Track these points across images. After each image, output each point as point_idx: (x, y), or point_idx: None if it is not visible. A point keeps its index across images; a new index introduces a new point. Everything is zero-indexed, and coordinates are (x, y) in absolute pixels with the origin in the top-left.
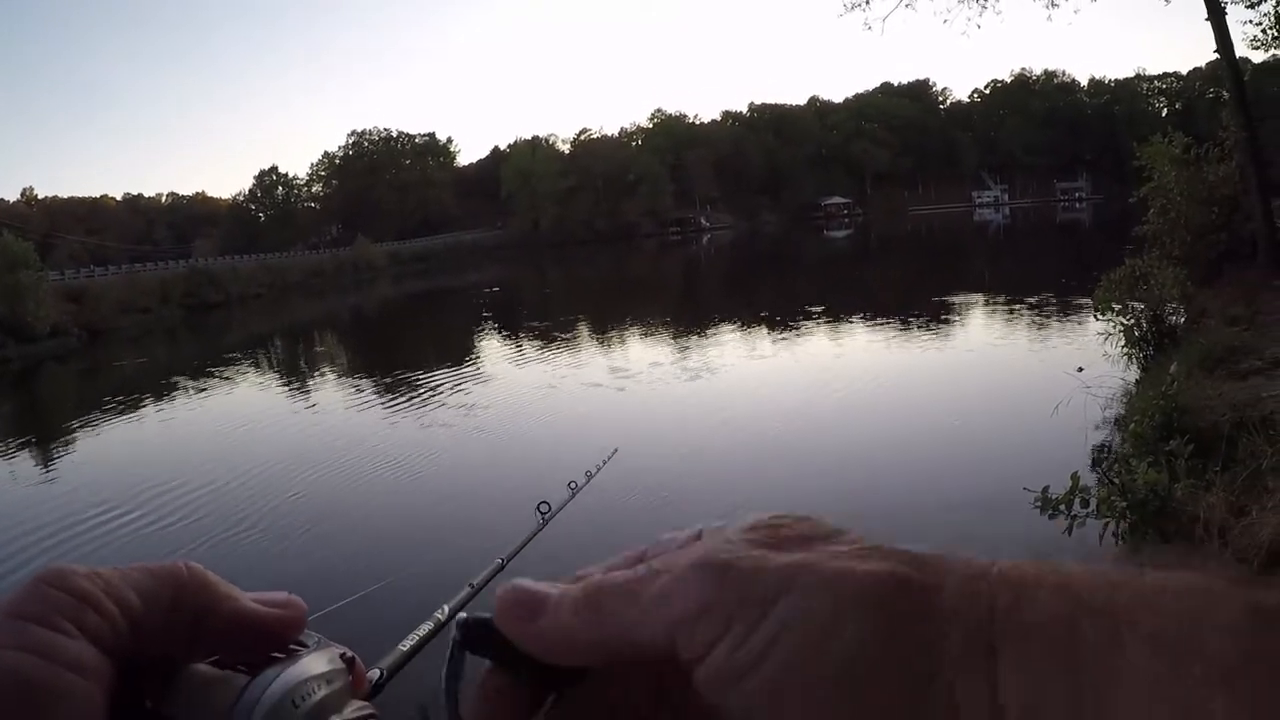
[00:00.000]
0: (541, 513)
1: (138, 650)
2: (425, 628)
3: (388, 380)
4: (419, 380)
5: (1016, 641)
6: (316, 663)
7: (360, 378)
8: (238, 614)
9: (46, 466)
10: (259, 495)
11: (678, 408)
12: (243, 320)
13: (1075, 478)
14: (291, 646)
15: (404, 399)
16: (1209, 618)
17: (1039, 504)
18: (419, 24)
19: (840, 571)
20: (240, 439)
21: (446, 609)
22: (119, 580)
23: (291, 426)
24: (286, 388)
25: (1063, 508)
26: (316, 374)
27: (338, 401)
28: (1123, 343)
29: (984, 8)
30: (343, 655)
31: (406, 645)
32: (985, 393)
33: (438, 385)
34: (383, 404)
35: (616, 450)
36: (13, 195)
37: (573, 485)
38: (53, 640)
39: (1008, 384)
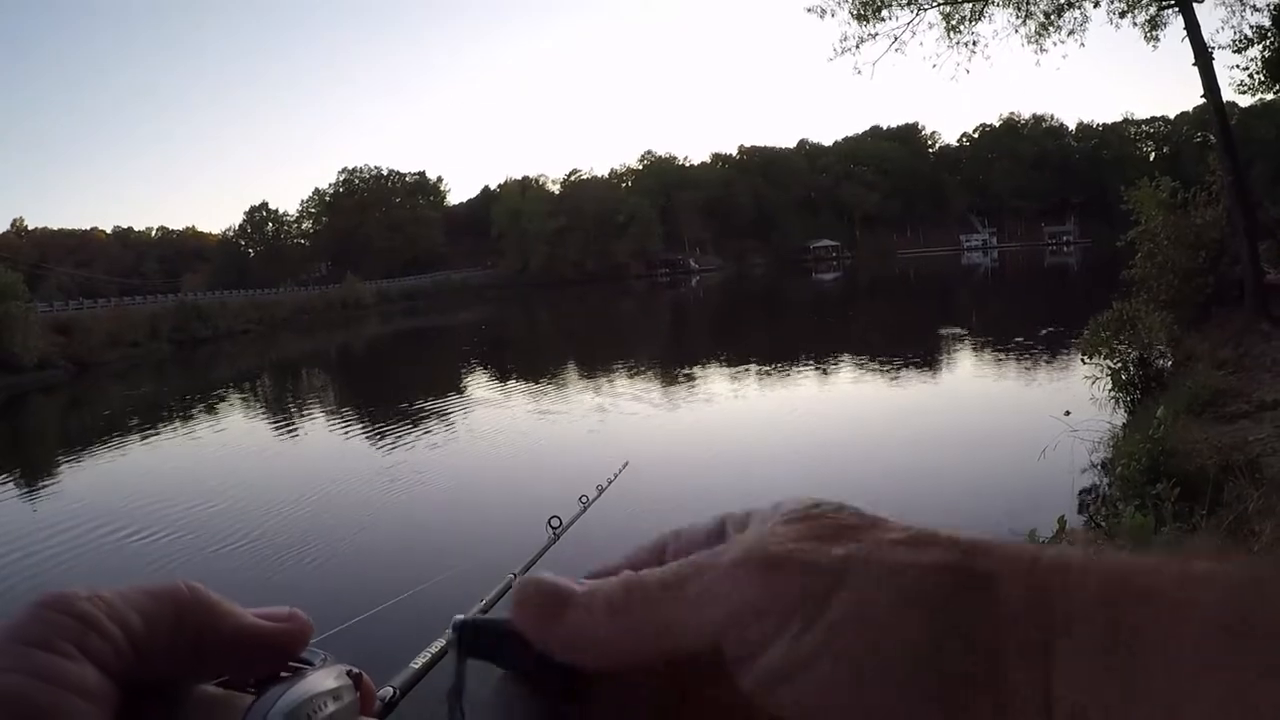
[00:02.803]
0: (553, 527)
1: (141, 672)
2: (437, 645)
3: (389, 410)
4: (420, 410)
5: (1072, 632)
6: (323, 680)
7: (360, 409)
8: (241, 630)
9: (30, 495)
10: (270, 518)
11: (660, 445)
12: (231, 355)
13: (1062, 521)
14: (297, 665)
15: (404, 427)
16: (1264, 603)
17: None
18: (411, 63)
19: (898, 564)
20: (249, 468)
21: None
22: (120, 602)
23: (295, 456)
24: (280, 420)
25: None
26: (312, 407)
27: (342, 431)
28: (1110, 386)
29: (973, 53)
30: (349, 672)
31: (418, 663)
32: (971, 435)
33: (440, 414)
34: (386, 431)
35: (627, 464)
36: (2, 226)
37: (583, 499)
38: (55, 664)
39: (994, 427)
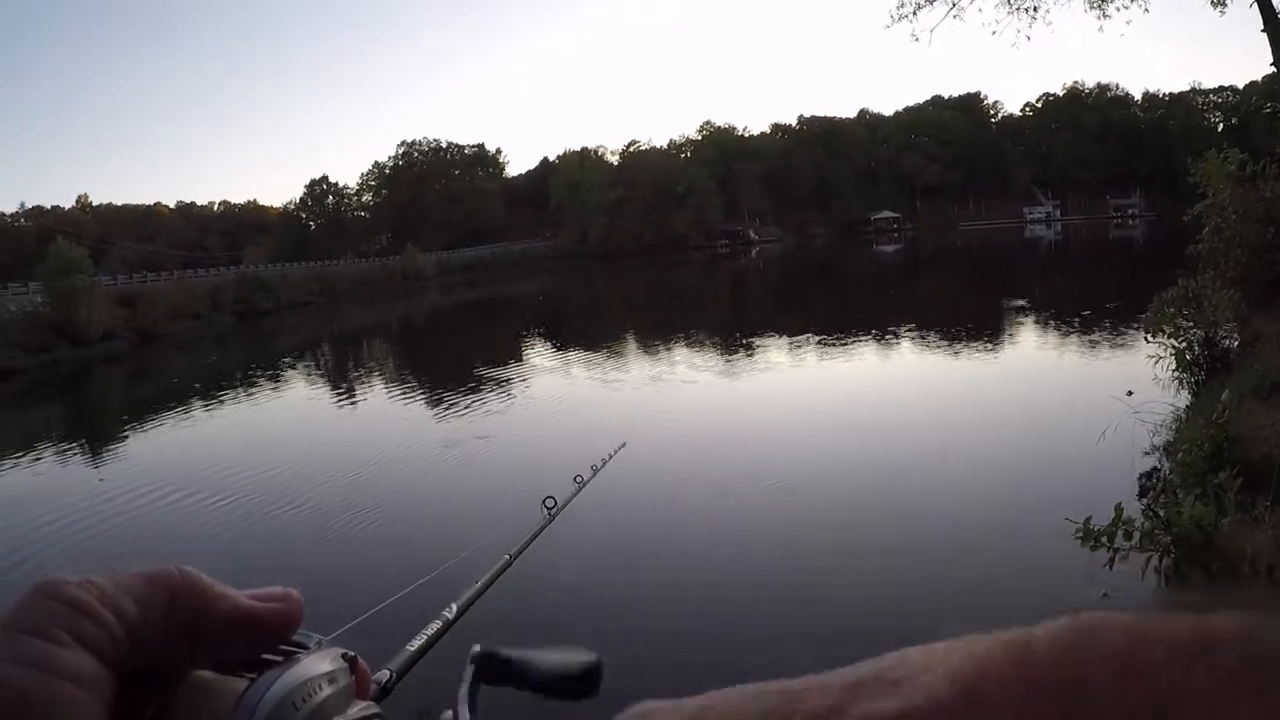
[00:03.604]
0: (548, 508)
1: (137, 658)
2: (433, 627)
3: (417, 385)
4: (450, 384)
5: None
6: (318, 664)
7: (388, 383)
8: (235, 612)
9: (93, 464)
10: (263, 494)
11: (709, 410)
12: (292, 327)
13: (1119, 509)
14: (292, 649)
15: (428, 401)
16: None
17: (1080, 535)
18: (469, 36)
19: None
20: (257, 439)
21: (455, 607)
22: (113, 588)
23: (312, 425)
24: (321, 391)
25: (1105, 540)
26: (346, 379)
27: (359, 405)
28: (1173, 366)
29: (1033, 19)
30: (345, 655)
31: (414, 645)
32: (1029, 414)
33: (468, 387)
34: (405, 406)
35: (624, 444)
36: (68, 202)
37: (578, 479)
38: (48, 651)
39: (1053, 406)
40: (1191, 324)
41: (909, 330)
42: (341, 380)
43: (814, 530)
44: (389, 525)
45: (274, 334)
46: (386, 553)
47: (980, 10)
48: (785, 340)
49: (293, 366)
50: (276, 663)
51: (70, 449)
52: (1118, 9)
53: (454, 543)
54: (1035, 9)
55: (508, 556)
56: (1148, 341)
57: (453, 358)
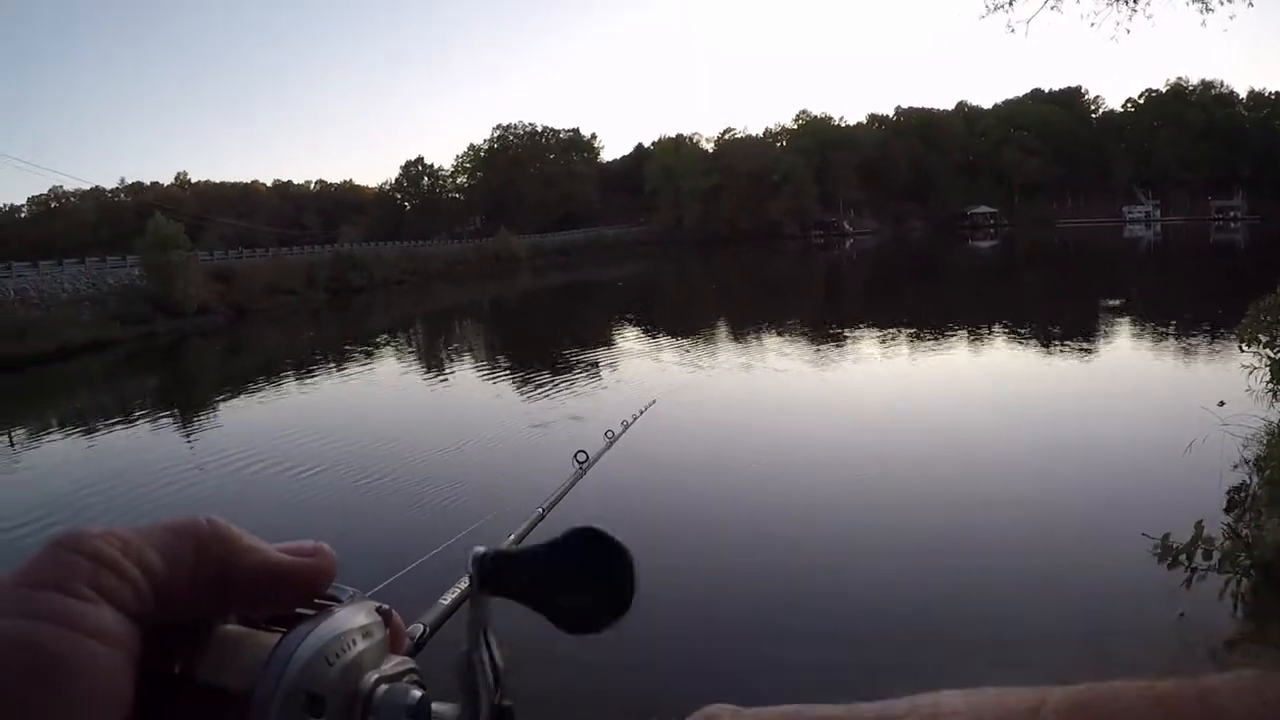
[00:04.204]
0: (579, 462)
1: (163, 613)
2: (466, 581)
3: (486, 358)
4: (517, 357)
5: None
6: (352, 617)
7: (462, 357)
8: (264, 566)
9: (185, 433)
10: (323, 459)
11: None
12: (385, 305)
13: (1199, 526)
14: (325, 602)
15: (489, 372)
16: None
17: (1158, 552)
18: (567, 19)
19: None
20: (335, 410)
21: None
22: (137, 540)
23: (383, 395)
24: (401, 364)
25: (1183, 558)
26: (427, 353)
27: (429, 376)
28: (1268, 378)
29: (1133, 11)
30: (379, 608)
31: (448, 599)
32: (1115, 419)
33: (531, 359)
34: (468, 377)
35: (655, 400)
36: (168, 179)
37: (609, 435)
38: (71, 607)
39: (1141, 413)
40: None
41: (999, 328)
42: (423, 355)
43: (865, 510)
44: (426, 483)
45: (366, 311)
46: (422, 509)
47: (1078, 1)
48: (872, 332)
49: (380, 343)
50: (309, 617)
51: (164, 418)
52: (1221, 2)
53: (490, 496)
54: (1135, 1)
55: (540, 510)
56: (1242, 351)
57: (532, 333)
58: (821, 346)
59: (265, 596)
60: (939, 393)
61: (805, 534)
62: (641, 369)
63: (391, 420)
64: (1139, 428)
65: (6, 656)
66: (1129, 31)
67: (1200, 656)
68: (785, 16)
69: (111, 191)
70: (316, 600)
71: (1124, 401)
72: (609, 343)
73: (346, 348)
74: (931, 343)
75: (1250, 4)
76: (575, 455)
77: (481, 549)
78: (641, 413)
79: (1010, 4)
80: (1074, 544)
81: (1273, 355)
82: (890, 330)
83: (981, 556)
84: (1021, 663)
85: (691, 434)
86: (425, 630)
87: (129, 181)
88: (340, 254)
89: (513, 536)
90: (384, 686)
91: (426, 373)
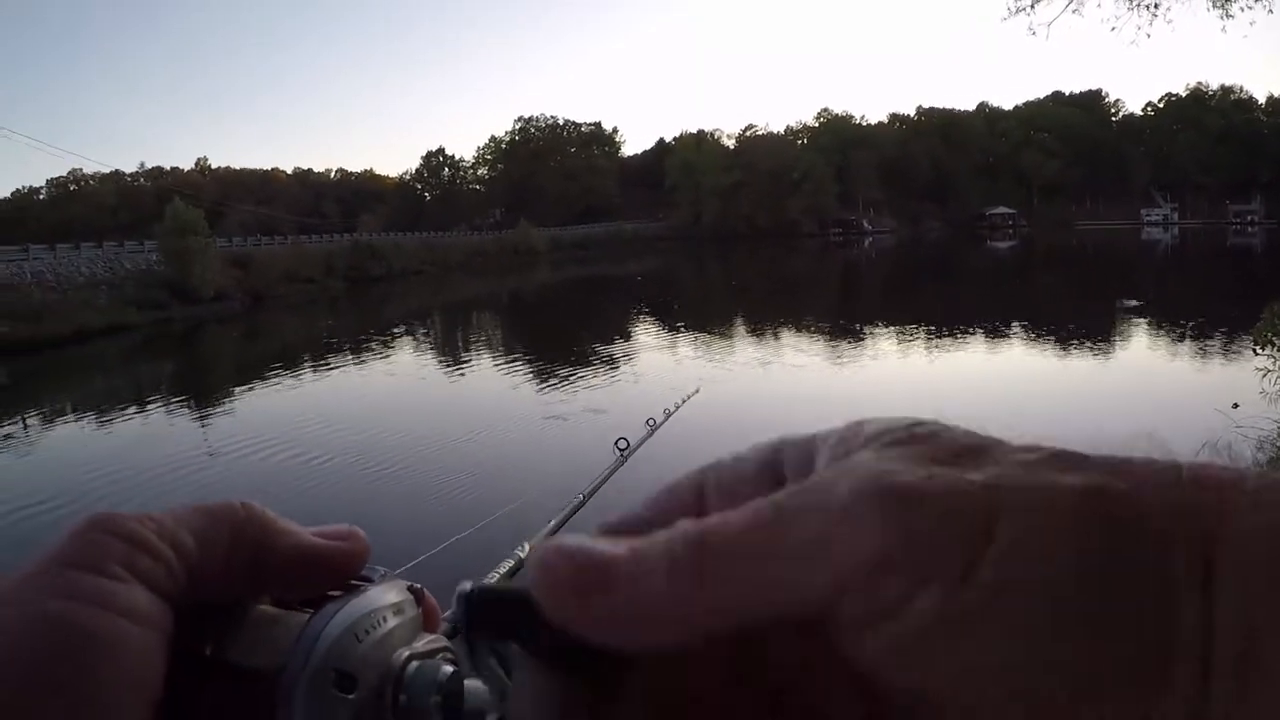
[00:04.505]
0: (620, 449)
1: (195, 594)
2: (506, 565)
3: (514, 348)
4: (543, 347)
5: (1233, 557)
6: (383, 595)
7: (488, 346)
8: (298, 549)
9: (199, 420)
10: (358, 445)
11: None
12: (403, 295)
13: None
14: (356, 581)
15: (530, 360)
16: None
17: None
18: (590, 13)
19: (1051, 492)
20: (360, 395)
21: (527, 545)
22: (172, 522)
23: (410, 382)
24: (423, 353)
25: None
26: (449, 342)
27: (457, 364)
28: None
29: (1154, 15)
30: (410, 587)
31: (492, 579)
32: (1128, 421)
33: (568, 351)
34: (491, 365)
35: (698, 389)
36: (187, 164)
37: (651, 423)
38: (105, 587)
39: (1154, 413)
40: None
41: (1016, 327)
42: (444, 343)
43: None
44: (467, 469)
45: (385, 300)
46: (463, 494)
47: (1099, 5)
48: (891, 329)
49: (400, 332)
50: (339, 596)
51: (178, 404)
52: (1241, 9)
53: (530, 482)
54: (1156, 5)
55: (581, 496)
56: (1256, 354)
57: (562, 327)
58: (845, 344)
59: (298, 579)
60: (955, 390)
61: None
62: (660, 363)
63: (415, 409)
64: (1154, 428)
65: (41, 634)
66: (1149, 36)
67: None
68: (808, 14)
69: (131, 175)
70: (349, 582)
71: (1138, 402)
72: (626, 336)
73: (366, 337)
74: (949, 341)
75: (1270, 10)
76: (616, 442)
77: (468, 585)
78: (684, 401)
79: (1032, 7)
80: None
81: None
82: (909, 328)
83: None
84: None
85: (732, 423)
86: None
87: (149, 166)
88: (359, 243)
89: (553, 522)
90: (415, 663)
91: (450, 363)
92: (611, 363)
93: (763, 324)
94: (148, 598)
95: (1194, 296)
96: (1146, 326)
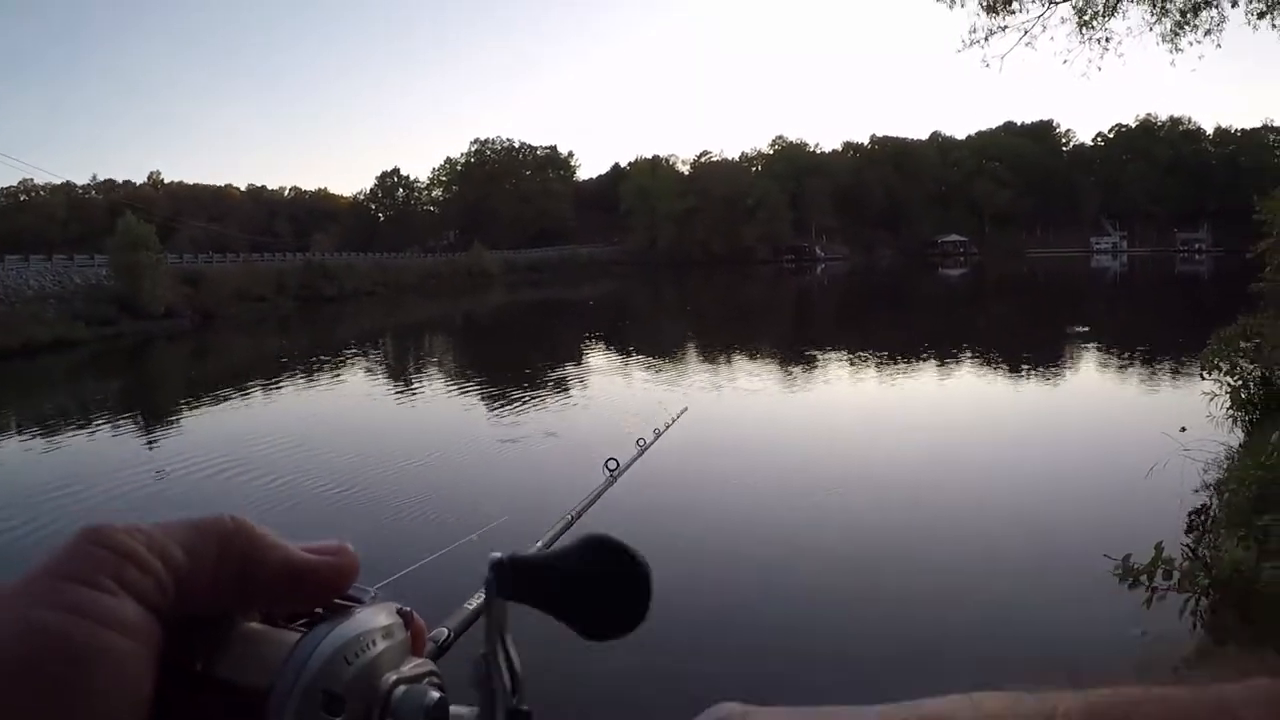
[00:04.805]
0: (610, 470)
1: (185, 607)
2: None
3: (483, 372)
4: (512, 372)
5: None
6: (372, 618)
7: (456, 370)
8: (287, 564)
9: (147, 439)
10: (330, 459)
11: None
12: (355, 315)
13: (1159, 548)
14: (346, 602)
15: (488, 383)
16: None
17: (1119, 572)
18: (547, 38)
19: None
20: (321, 412)
21: None
22: (161, 535)
23: (382, 407)
24: (373, 375)
25: (1144, 578)
26: (411, 366)
27: (426, 384)
28: (1228, 405)
29: (1105, 49)
30: (400, 610)
31: (473, 604)
32: (1080, 444)
33: (526, 373)
34: (468, 386)
35: (685, 409)
36: (140, 178)
37: (641, 443)
38: (94, 598)
39: (1105, 438)
40: (1249, 362)
41: (967, 354)
42: (410, 365)
43: (836, 531)
44: (452, 489)
45: (336, 321)
46: (449, 513)
47: (1052, 39)
48: (841, 356)
49: (358, 353)
50: (329, 616)
51: (126, 422)
52: (1190, 43)
53: (516, 504)
54: (1107, 40)
55: (569, 516)
56: (1203, 378)
57: (518, 348)
58: (798, 369)
59: (287, 594)
60: (910, 418)
61: (784, 554)
62: (614, 388)
63: (359, 431)
64: (1103, 453)
65: (30, 645)
66: (1100, 70)
67: (1161, 672)
68: (764, 42)
69: (83, 188)
70: (338, 600)
71: (1089, 427)
72: (577, 359)
73: (320, 358)
74: (901, 368)
75: (1218, 45)
76: (606, 463)
77: (499, 555)
78: (673, 421)
79: (986, 40)
80: (1039, 565)
81: (1233, 383)
82: (861, 355)
83: (950, 576)
84: (988, 679)
85: (711, 445)
86: (450, 634)
87: (101, 178)
88: (312, 262)
89: (540, 542)
90: (403, 687)
91: (397, 387)
92: (573, 387)
93: (716, 350)
94: (137, 610)
95: (1143, 323)
96: (1096, 352)
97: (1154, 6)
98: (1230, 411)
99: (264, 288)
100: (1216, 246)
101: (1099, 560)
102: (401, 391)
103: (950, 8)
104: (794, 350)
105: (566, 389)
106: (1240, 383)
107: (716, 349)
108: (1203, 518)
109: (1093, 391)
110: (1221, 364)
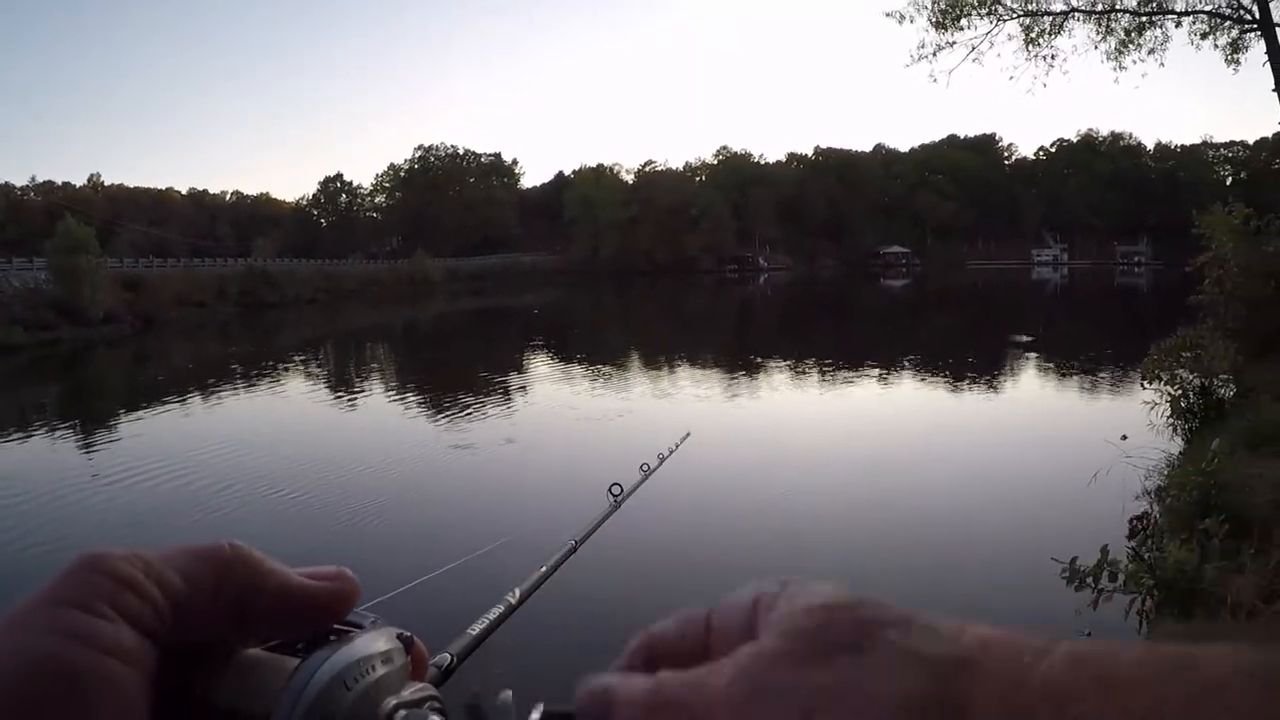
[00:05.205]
0: (613, 495)
1: (182, 634)
2: (496, 611)
3: (450, 384)
4: (483, 385)
5: None
6: (372, 643)
7: (423, 381)
8: (286, 589)
9: (88, 448)
10: (330, 482)
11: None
12: (296, 322)
13: (1104, 550)
14: (346, 627)
15: (470, 400)
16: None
17: (1066, 574)
18: (492, 45)
19: (873, 697)
20: (310, 431)
21: (518, 592)
22: (159, 562)
23: (357, 423)
24: (341, 387)
25: (1090, 580)
26: (376, 377)
27: (403, 401)
28: (1168, 413)
29: (1050, 67)
30: (400, 635)
31: (476, 630)
32: (1024, 453)
33: (505, 389)
34: (451, 404)
35: (689, 434)
36: (80, 180)
37: (645, 468)
38: (89, 624)
39: (1048, 446)
40: (1188, 372)
41: (913, 365)
42: (338, 373)
43: (789, 541)
44: (453, 513)
45: (278, 328)
46: (452, 538)
47: (999, 55)
48: (784, 365)
49: (289, 363)
50: (328, 641)
51: (64, 431)
52: (1134, 61)
53: (518, 529)
54: (1053, 57)
55: (573, 542)
56: (1144, 388)
57: (464, 356)
58: (730, 387)
59: (287, 620)
60: (855, 428)
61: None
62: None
63: (337, 444)
64: (1049, 460)
65: (28, 671)
66: (1045, 86)
67: None
68: (709, 53)
69: (21, 189)
70: (337, 625)
71: (1035, 435)
72: (519, 368)
73: (271, 364)
74: (846, 378)
75: (1161, 64)
76: (610, 488)
77: (543, 707)
78: (677, 446)
79: (934, 55)
80: (987, 569)
81: (1172, 392)
82: (801, 365)
83: (898, 580)
84: None
85: (705, 471)
86: (452, 659)
87: (40, 180)
88: (253, 268)
89: (544, 568)
90: (402, 713)
91: (337, 395)
92: (486, 397)
93: (660, 359)
94: (134, 637)
95: (1084, 334)
96: (1038, 362)
97: (1099, 26)
98: (1170, 420)
99: (205, 293)
100: (1156, 260)
101: (1046, 564)
102: (343, 405)
103: (900, 23)
104: (732, 370)
105: (506, 396)
106: (1180, 392)
107: (660, 360)
108: (1144, 523)
109: (1037, 401)
110: (1162, 374)
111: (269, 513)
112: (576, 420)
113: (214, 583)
